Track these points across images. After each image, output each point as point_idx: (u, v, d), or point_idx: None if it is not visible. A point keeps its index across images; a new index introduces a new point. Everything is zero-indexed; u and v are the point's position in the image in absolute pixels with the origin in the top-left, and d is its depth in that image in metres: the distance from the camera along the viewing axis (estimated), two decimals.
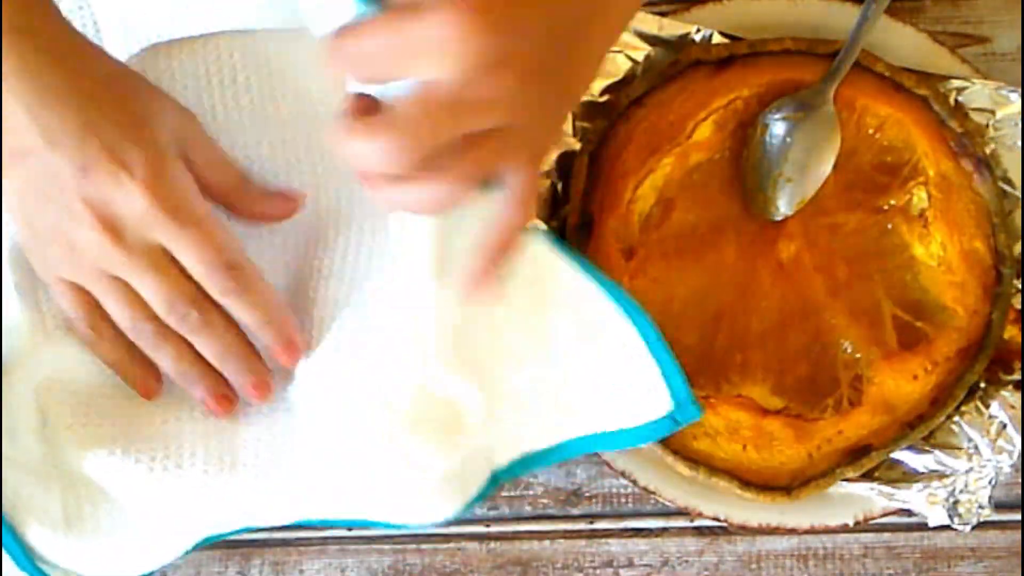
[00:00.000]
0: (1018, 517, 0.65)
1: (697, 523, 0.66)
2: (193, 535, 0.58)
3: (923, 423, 0.62)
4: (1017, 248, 0.64)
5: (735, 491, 0.62)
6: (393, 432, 0.54)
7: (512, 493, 0.67)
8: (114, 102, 0.52)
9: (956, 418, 0.63)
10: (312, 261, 0.58)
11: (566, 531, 0.66)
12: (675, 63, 0.65)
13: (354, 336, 0.55)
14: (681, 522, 0.66)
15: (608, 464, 0.64)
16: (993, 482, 0.61)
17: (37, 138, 0.50)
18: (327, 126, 0.50)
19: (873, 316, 0.64)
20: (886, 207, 0.65)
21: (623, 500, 0.67)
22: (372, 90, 0.45)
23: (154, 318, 0.54)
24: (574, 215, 0.64)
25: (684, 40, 0.66)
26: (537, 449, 0.60)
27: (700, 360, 0.64)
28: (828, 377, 0.64)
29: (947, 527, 0.62)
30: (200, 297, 0.54)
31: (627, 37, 0.66)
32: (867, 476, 0.63)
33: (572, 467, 0.67)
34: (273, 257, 0.58)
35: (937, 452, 0.62)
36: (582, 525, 0.67)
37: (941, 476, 0.62)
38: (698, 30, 0.66)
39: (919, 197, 0.64)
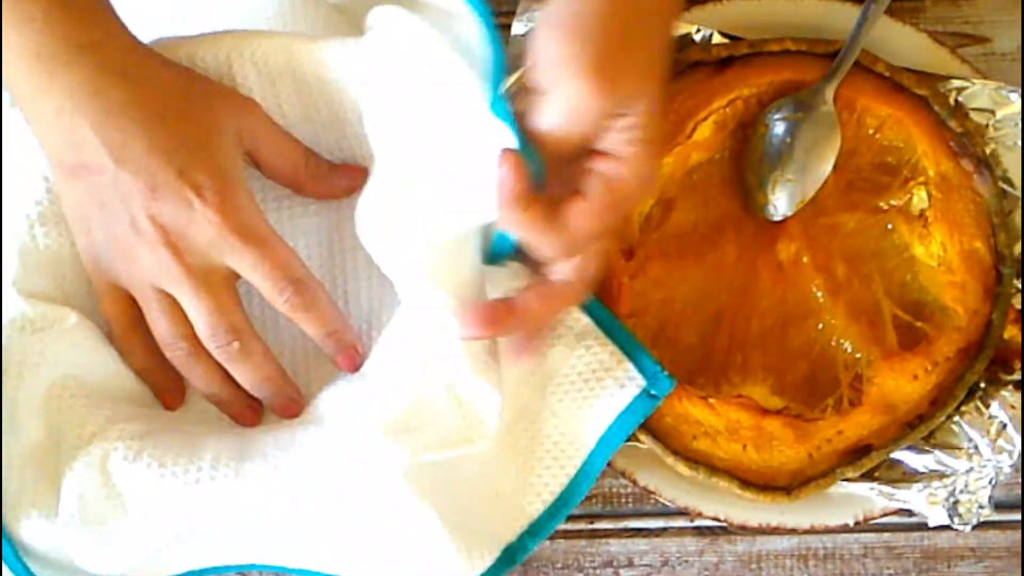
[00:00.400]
0: (1018, 517, 0.65)
1: (697, 523, 0.66)
2: (194, 551, 0.58)
3: (923, 423, 0.62)
4: (1017, 248, 0.64)
5: (735, 491, 0.62)
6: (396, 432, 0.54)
7: None
8: (180, 116, 0.53)
9: (956, 418, 0.63)
10: (347, 262, 0.59)
11: (566, 531, 0.66)
12: (675, 63, 0.65)
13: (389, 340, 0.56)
14: (681, 522, 0.66)
15: (608, 464, 0.64)
16: (993, 482, 0.61)
17: (104, 156, 0.51)
18: (358, 134, 0.56)
19: (873, 316, 0.64)
20: (886, 207, 0.65)
21: (623, 500, 0.67)
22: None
23: (193, 338, 0.55)
24: None
25: (684, 40, 0.66)
26: (556, 495, 0.60)
27: (700, 360, 0.64)
28: (828, 377, 0.64)
29: (947, 527, 0.62)
30: (244, 327, 0.56)
31: None
32: (867, 476, 0.63)
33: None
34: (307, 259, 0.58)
35: (937, 452, 0.62)
36: (582, 525, 0.67)
37: (941, 476, 0.62)
38: (698, 30, 0.66)
39: (919, 197, 0.64)
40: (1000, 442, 0.62)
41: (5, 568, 0.55)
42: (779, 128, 0.64)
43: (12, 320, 0.56)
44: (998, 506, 0.63)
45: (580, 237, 0.52)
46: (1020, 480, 0.65)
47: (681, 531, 0.66)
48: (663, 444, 0.62)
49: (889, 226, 0.65)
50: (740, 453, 0.62)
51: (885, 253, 0.65)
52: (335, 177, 0.59)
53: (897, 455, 0.63)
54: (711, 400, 0.62)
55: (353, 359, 0.58)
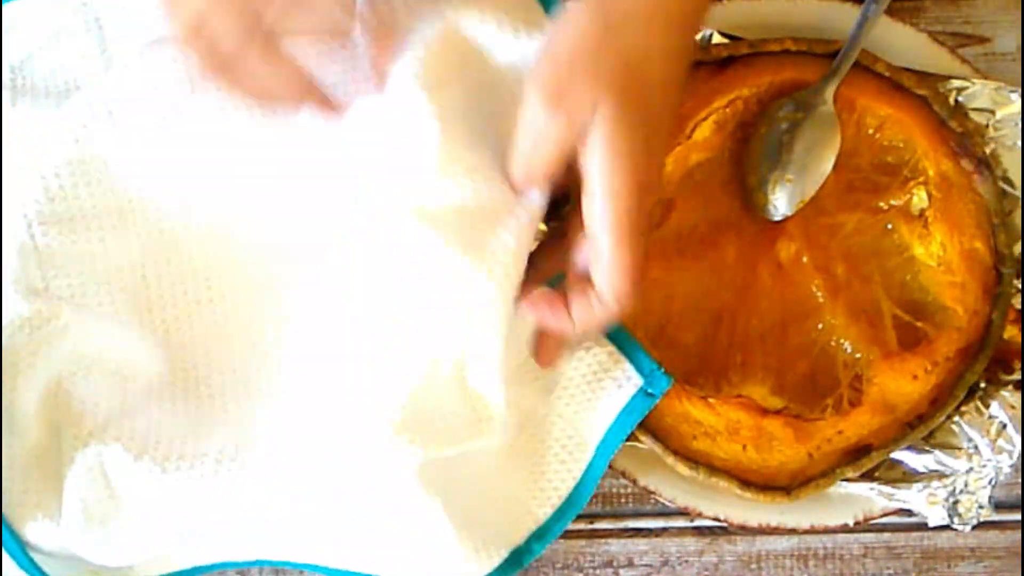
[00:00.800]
0: (1018, 517, 0.65)
1: (697, 523, 0.66)
2: (198, 546, 0.58)
3: (923, 423, 0.62)
4: (1017, 248, 0.64)
5: (735, 491, 0.62)
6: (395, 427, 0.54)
7: None
8: None
9: (956, 418, 0.63)
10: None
11: (566, 531, 0.66)
12: None
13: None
14: (681, 522, 0.66)
15: (608, 464, 0.64)
16: (993, 482, 0.61)
17: None
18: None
19: (873, 316, 0.64)
20: (886, 207, 0.65)
21: (623, 500, 0.67)
22: None
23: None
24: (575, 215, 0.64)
25: None
26: (564, 498, 0.60)
27: (700, 360, 0.64)
28: (828, 377, 0.64)
29: (947, 527, 0.62)
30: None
31: None
32: (867, 476, 0.63)
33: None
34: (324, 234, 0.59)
35: (937, 452, 0.62)
36: (582, 525, 0.67)
37: (941, 476, 0.62)
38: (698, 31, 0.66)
39: (919, 197, 0.64)
40: (1000, 442, 0.62)
41: (6, 566, 0.55)
42: (779, 128, 0.64)
43: (11, 320, 0.56)
44: (998, 506, 0.63)
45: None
46: (1020, 480, 0.66)
47: (681, 531, 0.66)
48: (663, 444, 0.62)
49: (889, 226, 0.65)
50: (740, 453, 0.62)
51: (885, 253, 0.65)
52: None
53: (897, 455, 0.63)
54: (711, 400, 0.62)
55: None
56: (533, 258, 0.55)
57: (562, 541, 0.66)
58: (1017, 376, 0.63)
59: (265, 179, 0.59)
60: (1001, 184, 0.64)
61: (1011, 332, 0.63)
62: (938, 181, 0.64)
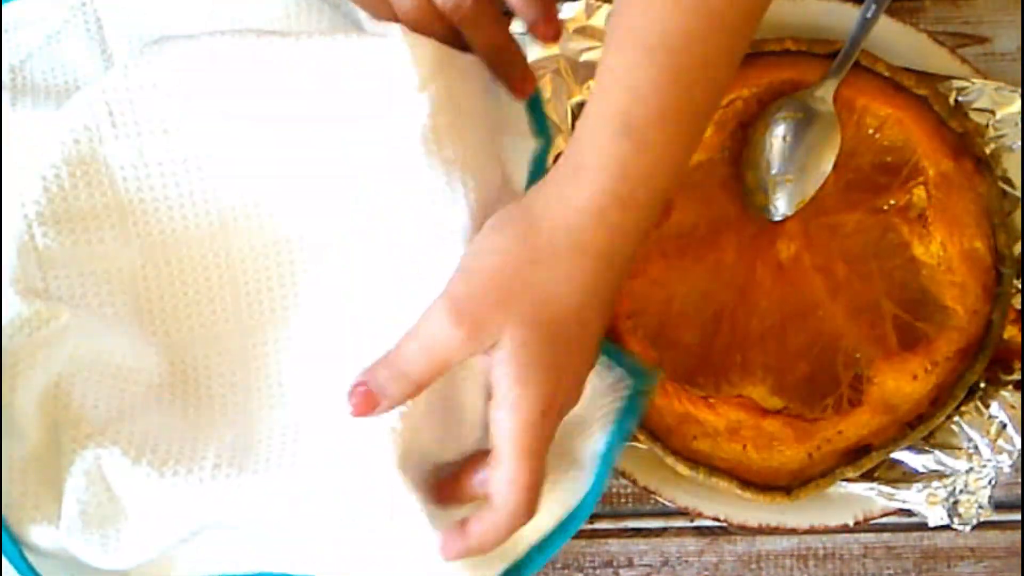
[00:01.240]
0: (1018, 517, 0.65)
1: (697, 523, 0.66)
2: (198, 552, 0.57)
3: (923, 423, 0.62)
4: (1017, 248, 0.64)
5: (735, 491, 0.62)
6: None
7: None
8: None
9: (956, 418, 0.63)
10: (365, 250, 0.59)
11: None
12: None
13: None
14: (681, 522, 0.66)
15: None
16: (993, 482, 0.61)
17: None
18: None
19: (873, 316, 0.64)
20: (886, 207, 0.65)
21: (623, 500, 0.67)
22: None
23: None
24: None
25: None
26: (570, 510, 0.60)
27: (700, 360, 0.64)
28: (828, 377, 0.64)
29: (947, 527, 0.62)
30: None
31: None
32: (867, 476, 0.63)
33: None
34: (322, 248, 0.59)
35: (937, 452, 0.62)
36: (582, 525, 0.66)
37: (941, 476, 0.62)
38: None
39: (919, 197, 0.64)
40: (1000, 442, 0.62)
41: (6, 565, 0.55)
42: (779, 128, 0.64)
43: (11, 321, 0.56)
44: (998, 506, 0.63)
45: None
46: (1020, 480, 0.65)
47: (681, 531, 0.66)
48: (663, 444, 0.62)
49: (889, 226, 0.65)
50: (740, 453, 0.62)
51: (885, 253, 0.65)
52: None
53: (897, 455, 0.63)
54: (711, 400, 0.62)
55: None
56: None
57: None
58: (1017, 376, 0.62)
59: (265, 179, 0.59)
60: (1001, 184, 0.64)
61: (1011, 332, 0.63)
62: (938, 181, 0.64)
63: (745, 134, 0.65)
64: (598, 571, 0.66)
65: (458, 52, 0.58)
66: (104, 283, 0.59)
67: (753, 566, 0.66)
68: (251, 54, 0.57)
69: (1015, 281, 0.64)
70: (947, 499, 0.62)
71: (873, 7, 0.63)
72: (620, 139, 0.50)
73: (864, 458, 0.62)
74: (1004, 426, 0.62)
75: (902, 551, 0.66)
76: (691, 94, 0.50)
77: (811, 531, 0.63)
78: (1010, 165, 0.65)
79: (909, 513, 0.63)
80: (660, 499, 0.63)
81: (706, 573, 0.66)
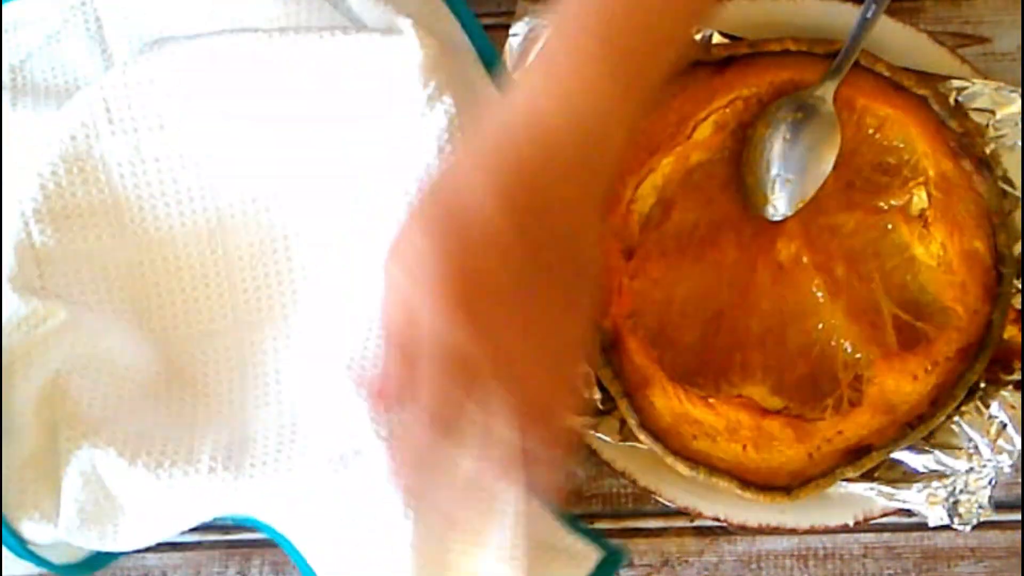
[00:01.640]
0: (1018, 517, 0.65)
1: (697, 523, 0.66)
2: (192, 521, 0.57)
3: (923, 423, 0.62)
4: (1017, 248, 0.64)
5: (735, 491, 0.62)
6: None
7: None
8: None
9: (956, 418, 0.63)
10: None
11: None
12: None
13: None
14: (681, 522, 0.66)
15: (608, 464, 0.64)
16: (993, 482, 0.61)
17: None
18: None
19: (873, 316, 0.64)
20: (886, 207, 0.65)
21: (623, 500, 0.67)
22: None
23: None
24: None
25: None
26: None
27: (700, 360, 0.64)
28: (828, 377, 0.64)
29: (947, 527, 0.62)
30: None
31: None
32: (867, 476, 0.63)
33: (572, 467, 0.67)
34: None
35: (937, 452, 0.62)
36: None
37: (941, 476, 0.62)
38: (698, 30, 0.66)
39: (919, 197, 0.64)
40: (1000, 442, 0.62)
41: (6, 558, 0.55)
42: (779, 128, 0.64)
43: (8, 319, 0.56)
44: (998, 506, 0.63)
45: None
46: (1020, 480, 0.65)
47: (681, 531, 0.66)
48: (663, 444, 0.62)
49: (889, 226, 0.65)
50: (740, 453, 0.62)
51: (885, 253, 0.65)
52: None
53: (897, 455, 0.63)
54: (711, 400, 0.62)
55: None
56: None
57: None
58: (1017, 376, 0.62)
59: (264, 178, 0.59)
60: (1001, 184, 0.64)
61: (1011, 332, 0.63)
62: (938, 181, 0.63)
63: (745, 134, 0.65)
64: None
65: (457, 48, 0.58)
66: (101, 280, 0.59)
67: (753, 566, 0.66)
68: (251, 54, 0.57)
69: (1015, 281, 0.64)
70: (947, 499, 0.61)
71: (873, 7, 0.63)
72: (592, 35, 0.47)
73: (864, 458, 0.62)
74: (1004, 426, 0.62)
75: (902, 551, 0.66)
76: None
77: (811, 531, 0.63)
78: (1010, 165, 0.65)
79: (909, 513, 0.63)
80: (660, 499, 0.63)
81: (706, 573, 0.66)
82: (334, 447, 0.55)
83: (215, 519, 0.58)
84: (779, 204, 0.64)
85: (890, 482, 0.62)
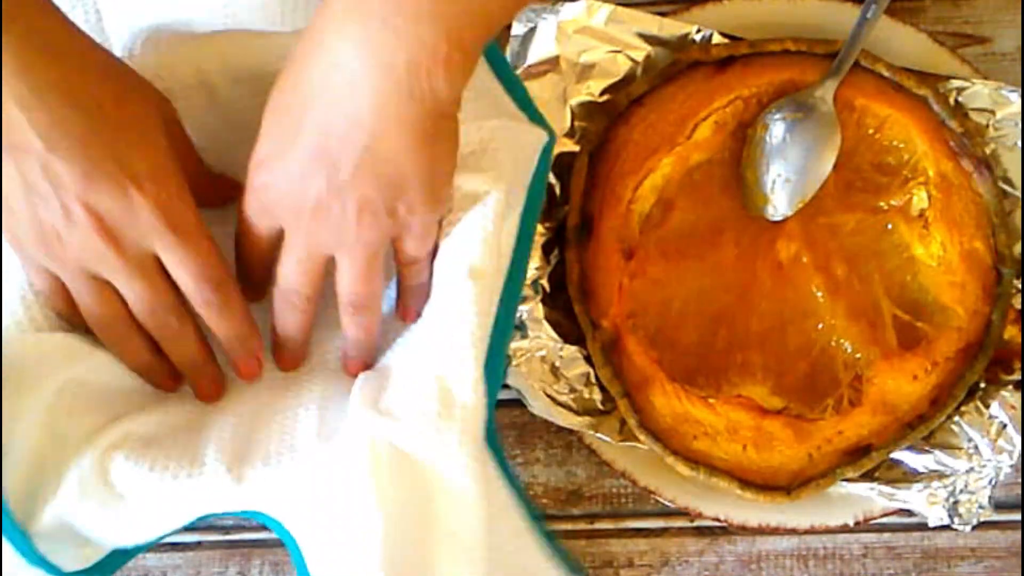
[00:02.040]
0: (1018, 517, 0.65)
1: (697, 523, 0.66)
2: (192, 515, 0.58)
3: (923, 423, 0.62)
4: (1017, 248, 0.64)
5: (735, 491, 0.62)
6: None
7: None
8: (116, 101, 0.51)
9: (956, 418, 0.63)
10: None
11: (566, 531, 0.66)
12: (675, 63, 0.65)
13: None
14: (681, 522, 0.66)
15: (608, 464, 0.64)
16: (993, 482, 0.61)
17: (35, 139, 0.49)
18: None
19: (873, 316, 0.64)
20: (886, 207, 0.65)
21: (623, 500, 0.67)
22: None
23: (128, 317, 0.55)
24: (574, 215, 0.64)
25: (684, 40, 0.66)
26: None
27: (700, 360, 0.64)
28: (828, 377, 0.64)
29: (947, 527, 0.62)
30: (179, 307, 0.55)
31: (627, 37, 0.66)
32: (867, 476, 0.63)
33: (572, 467, 0.67)
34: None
35: (937, 452, 0.62)
36: (582, 525, 0.67)
37: (941, 476, 0.62)
38: (698, 30, 0.66)
39: (919, 197, 0.64)
40: (1000, 442, 0.62)
41: (6, 558, 0.55)
42: (779, 128, 0.64)
43: (17, 322, 0.56)
44: (998, 506, 0.63)
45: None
46: (1020, 480, 0.65)
47: (681, 531, 0.66)
48: (663, 444, 0.62)
49: (889, 226, 0.65)
50: (740, 453, 0.62)
51: (885, 253, 0.65)
52: (216, 186, 0.58)
53: (897, 455, 0.63)
54: (711, 400, 0.62)
55: (252, 368, 0.58)
56: None
57: (562, 541, 0.66)
58: (1017, 376, 0.62)
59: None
60: (1001, 184, 0.64)
61: (1011, 332, 0.63)
62: (938, 181, 0.63)
63: (745, 134, 0.65)
64: (598, 571, 0.66)
65: None
66: None
67: (753, 566, 0.66)
68: (249, 48, 0.57)
69: (1015, 281, 0.64)
70: (947, 499, 0.61)
71: (873, 7, 0.63)
72: None
73: (864, 458, 0.62)
74: (1004, 426, 0.62)
75: (902, 551, 0.66)
76: None
77: (811, 531, 0.64)
78: (1010, 165, 0.65)
79: (909, 513, 0.63)
80: (660, 499, 0.63)
81: (706, 573, 0.66)
82: (336, 454, 0.55)
83: (216, 519, 0.58)
84: (779, 204, 0.64)
85: (890, 482, 0.62)
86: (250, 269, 0.56)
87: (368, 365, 0.57)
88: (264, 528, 0.61)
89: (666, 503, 0.63)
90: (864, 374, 0.63)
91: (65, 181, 0.50)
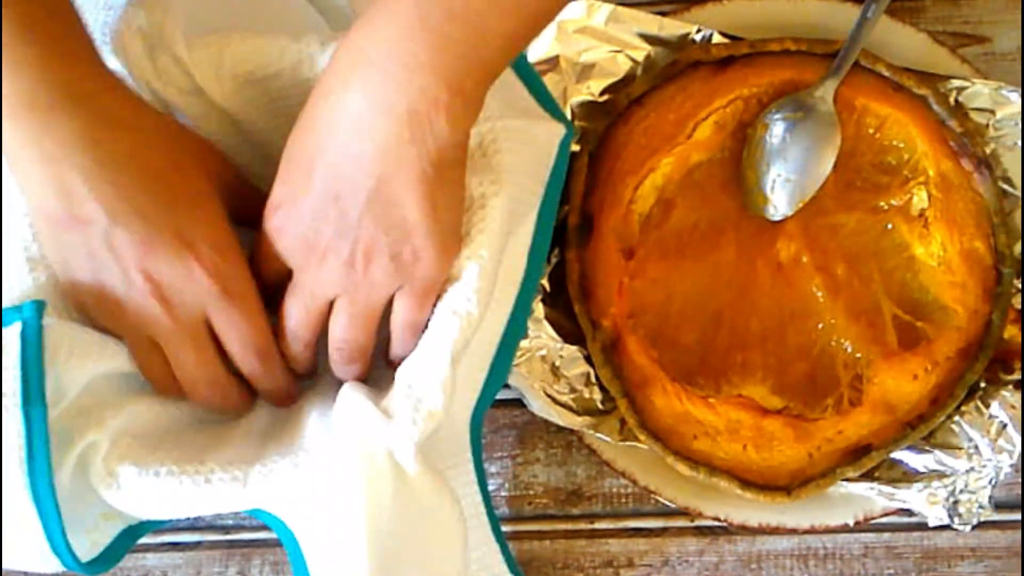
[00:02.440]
0: (1018, 517, 0.65)
1: (697, 523, 0.66)
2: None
3: (923, 423, 0.62)
4: (1017, 248, 0.64)
5: (735, 491, 0.62)
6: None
7: (512, 493, 0.67)
8: (177, 170, 0.52)
9: (956, 418, 0.63)
10: None
11: (566, 531, 0.66)
12: (675, 63, 0.65)
13: None
14: (681, 522, 0.66)
15: (608, 464, 0.64)
16: (993, 482, 0.61)
17: (98, 210, 0.50)
18: None
19: (873, 316, 0.64)
20: (886, 207, 0.65)
21: (623, 500, 0.67)
22: None
23: (174, 379, 0.56)
24: (574, 215, 0.64)
25: (684, 40, 0.66)
26: None
27: (700, 360, 0.64)
28: (828, 377, 0.64)
29: (947, 527, 0.62)
30: (224, 380, 0.56)
31: (627, 37, 0.66)
32: (867, 476, 0.63)
33: (572, 467, 0.67)
34: None
35: (937, 452, 0.62)
36: (582, 525, 0.67)
37: (941, 476, 0.62)
38: (698, 30, 0.66)
39: (919, 197, 0.64)
40: (1000, 442, 0.62)
41: (6, 558, 0.55)
42: (779, 128, 0.64)
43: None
44: (998, 506, 0.63)
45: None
46: (1020, 480, 0.65)
47: (681, 531, 0.66)
48: (663, 444, 0.62)
49: (889, 226, 0.65)
50: (740, 453, 0.62)
51: (885, 253, 0.65)
52: None
53: (897, 455, 0.63)
54: (711, 400, 0.62)
55: (286, 405, 0.59)
56: None
57: (562, 541, 0.66)
58: (1017, 376, 0.62)
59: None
60: (1001, 184, 0.64)
61: (1011, 332, 0.63)
62: (938, 181, 0.64)
63: (745, 134, 0.65)
64: (598, 571, 0.66)
65: None
66: None
67: (753, 566, 0.66)
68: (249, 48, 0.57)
69: (1015, 281, 0.64)
70: (947, 499, 0.61)
71: (873, 7, 0.63)
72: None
73: (864, 458, 0.62)
74: (1004, 426, 0.62)
75: (902, 551, 0.66)
76: None
77: (811, 531, 0.64)
78: (1010, 165, 0.65)
79: (909, 513, 0.63)
80: (660, 499, 0.63)
81: (706, 573, 0.66)
82: (339, 461, 0.55)
83: (215, 519, 0.58)
84: (779, 204, 0.64)
85: (890, 482, 0.62)
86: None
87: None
88: (264, 528, 0.61)
89: (666, 503, 0.63)
90: (864, 374, 0.63)
91: (124, 247, 0.51)
